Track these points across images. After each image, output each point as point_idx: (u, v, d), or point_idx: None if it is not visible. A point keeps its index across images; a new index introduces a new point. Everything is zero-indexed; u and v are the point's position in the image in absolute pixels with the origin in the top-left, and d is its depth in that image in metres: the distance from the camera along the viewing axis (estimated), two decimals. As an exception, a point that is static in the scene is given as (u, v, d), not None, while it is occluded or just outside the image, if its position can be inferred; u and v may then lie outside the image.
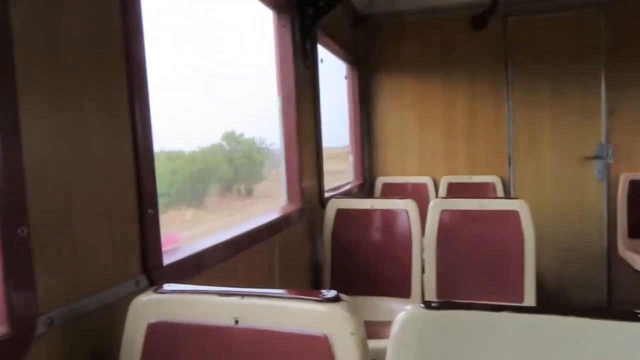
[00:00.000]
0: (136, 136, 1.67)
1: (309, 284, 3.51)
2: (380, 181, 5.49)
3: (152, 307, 1.38)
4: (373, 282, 3.41)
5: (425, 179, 5.37)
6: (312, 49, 3.53)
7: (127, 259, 1.65)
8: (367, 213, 3.49)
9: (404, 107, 5.45)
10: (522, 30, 5.05)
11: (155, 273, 1.73)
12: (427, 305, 1.21)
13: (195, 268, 2.01)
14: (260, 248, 2.70)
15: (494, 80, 5.14)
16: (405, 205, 3.40)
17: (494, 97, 5.17)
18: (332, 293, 1.27)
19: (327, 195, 3.91)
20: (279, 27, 3.18)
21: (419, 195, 5.11)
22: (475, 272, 3.30)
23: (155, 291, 1.40)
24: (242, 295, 1.32)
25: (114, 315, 1.54)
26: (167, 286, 1.42)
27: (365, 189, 5.37)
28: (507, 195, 5.09)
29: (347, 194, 4.56)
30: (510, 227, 3.15)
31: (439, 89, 5.32)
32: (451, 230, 3.32)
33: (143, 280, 1.69)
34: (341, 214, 3.52)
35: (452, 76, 5.27)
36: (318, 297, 1.26)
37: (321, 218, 3.57)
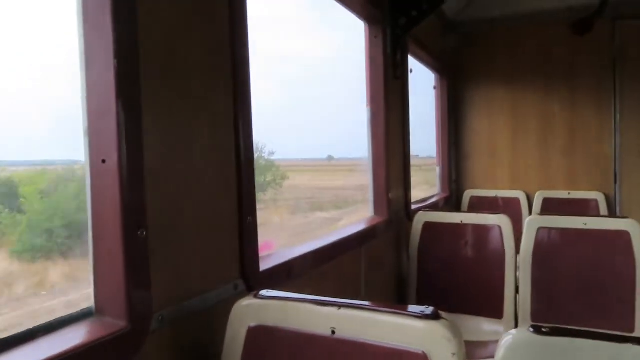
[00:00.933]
0: (239, 146, 1.74)
1: (393, 297, 3.45)
2: (468, 194, 5.29)
3: (252, 311, 1.42)
4: (462, 300, 3.27)
5: (518, 194, 5.09)
6: (402, 60, 3.49)
7: (228, 263, 1.72)
8: (457, 227, 3.37)
9: (495, 117, 5.22)
10: (633, 35, 4.66)
11: (252, 278, 1.79)
12: (537, 330, 1.13)
13: (287, 275, 2.05)
14: (348, 258, 2.70)
15: (598, 88, 4.78)
16: (498, 221, 3.24)
17: (597, 106, 4.80)
18: (430, 310, 1.23)
19: (413, 207, 3.83)
20: (371, 38, 3.19)
21: (510, 210, 4.85)
22: (576, 296, 3.06)
23: (255, 296, 1.44)
24: (339, 305, 1.32)
25: (215, 317, 1.60)
26: (266, 292, 1.45)
27: (451, 202, 5.20)
28: (612, 213, 4.69)
29: (434, 207, 4.44)
30: (619, 248, 2.89)
31: (534, 98, 5.04)
32: (550, 250, 3.11)
33: (241, 284, 1.75)
34: (429, 227, 3.43)
35: (549, 84, 4.97)
36: (417, 312, 1.23)
37: (407, 230, 3.50)
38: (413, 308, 1.25)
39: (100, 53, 1.30)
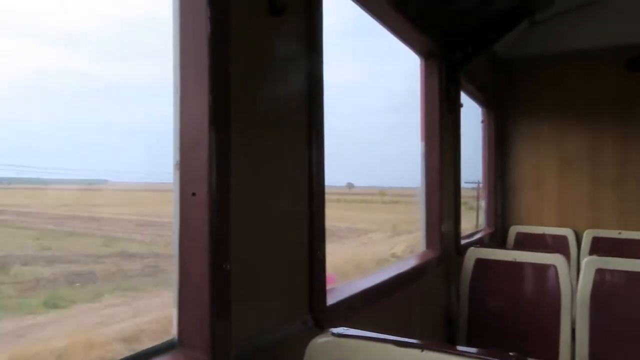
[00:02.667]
0: (311, 181, 1.76)
1: (442, 334, 3.37)
2: (513, 230, 5.17)
3: (329, 349, 1.40)
4: (515, 340, 3.16)
5: (566, 231, 4.94)
6: (455, 94, 3.49)
7: (298, 298, 1.72)
8: (510, 265, 3.28)
9: (541, 152, 5.13)
10: None
11: (320, 313, 1.77)
12: None
13: (350, 310, 2.03)
14: (402, 293, 2.66)
15: None
16: (554, 260, 3.15)
17: None
18: (518, 356, 1.20)
19: (462, 242, 3.77)
20: (427, 73, 3.21)
21: (558, 248, 4.71)
22: (637, 342, 2.92)
23: (332, 334, 1.42)
24: (422, 347, 1.29)
25: (286, 353, 1.59)
26: (343, 330, 1.43)
27: (497, 238, 5.09)
28: None
29: (479, 243, 4.36)
30: None
31: (583, 134, 4.94)
32: (609, 292, 2.99)
33: (309, 320, 1.74)
34: (480, 264, 3.35)
35: (599, 120, 4.87)
36: (505, 358, 1.19)
37: (457, 266, 3.43)
38: (500, 353, 1.22)
39: (196, 90, 1.34)
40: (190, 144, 1.35)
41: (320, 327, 1.74)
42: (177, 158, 1.37)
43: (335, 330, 1.44)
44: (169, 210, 1.41)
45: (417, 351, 1.28)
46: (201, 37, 1.33)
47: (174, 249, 1.37)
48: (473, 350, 1.25)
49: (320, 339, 1.43)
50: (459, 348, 1.27)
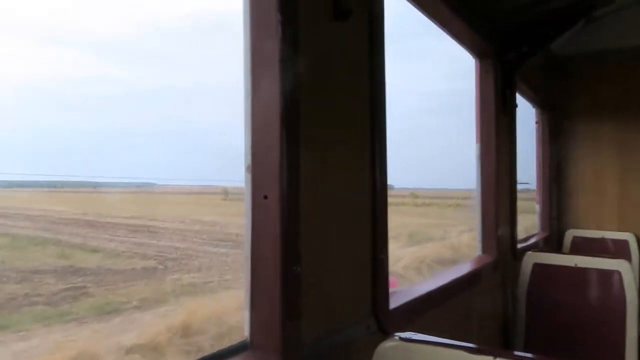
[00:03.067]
0: (375, 185, 1.75)
1: (498, 339, 3.28)
2: (570, 234, 4.98)
3: (397, 354, 1.39)
4: (577, 348, 3.05)
5: (626, 236, 4.72)
6: (511, 95, 3.41)
7: (362, 301, 1.71)
8: (571, 271, 3.16)
9: (600, 153, 4.93)
10: None
11: (382, 317, 1.76)
12: None
13: (411, 314, 2.01)
14: (459, 299, 2.61)
15: None
16: (617, 266, 3.01)
17: None
18: None
19: (518, 246, 3.66)
20: (482, 73, 3.15)
21: (618, 253, 4.51)
22: None
23: (400, 339, 1.41)
24: (495, 355, 1.26)
25: (351, 357, 1.59)
26: (410, 334, 1.42)
27: (552, 242, 4.92)
28: None
29: (535, 247, 4.22)
30: None
31: None
32: None
33: (373, 323, 1.74)
34: (539, 269, 3.25)
35: None
36: None
37: (513, 271, 3.34)
38: None
39: (267, 94, 1.37)
40: (262, 146, 1.38)
41: (383, 330, 1.73)
42: (249, 161, 1.39)
43: (402, 334, 1.42)
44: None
45: (489, 358, 1.26)
46: (272, 42, 1.35)
47: (245, 251, 1.40)
48: (547, 359, 1.22)
49: (388, 344, 1.42)
50: (534, 356, 1.24)
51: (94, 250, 11.72)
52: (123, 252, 11.80)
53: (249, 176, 1.39)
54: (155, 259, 11.21)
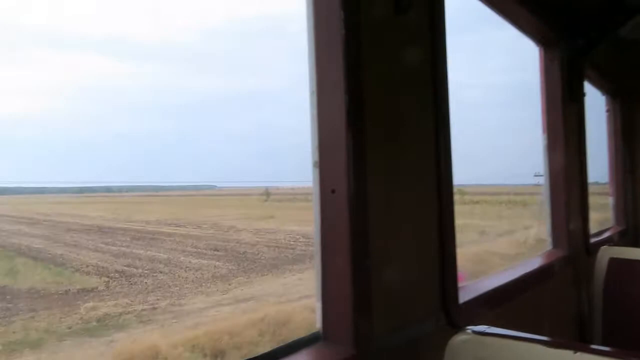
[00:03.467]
0: (440, 178, 1.74)
1: (573, 334, 3.14)
2: (647, 228, 4.68)
3: (471, 348, 1.38)
4: None
5: None
6: (578, 83, 3.26)
7: (431, 295, 1.70)
8: None
9: None
10: None
11: (452, 311, 1.74)
12: None
13: (480, 309, 1.97)
14: (530, 294, 2.53)
15: None
16: None
17: None
18: None
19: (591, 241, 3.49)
20: (547, 61, 3.03)
21: None
22: None
23: (473, 332, 1.39)
24: (575, 349, 1.22)
25: (422, 350, 1.59)
26: (484, 328, 1.40)
27: (628, 236, 4.64)
28: None
29: (610, 242, 4.00)
30: None
31: None
32: None
33: (442, 317, 1.72)
34: (615, 264, 3.07)
35: None
36: None
37: (586, 266, 3.18)
38: None
39: (332, 91, 1.40)
40: (329, 143, 1.41)
41: (453, 324, 1.71)
42: (316, 157, 1.42)
43: (476, 328, 1.41)
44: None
45: (569, 352, 1.22)
46: (336, 40, 1.38)
47: (315, 245, 1.43)
48: (633, 355, 1.16)
49: (461, 337, 1.40)
50: (615, 350, 1.19)
51: (52, 264, 11.25)
52: (81, 267, 11.22)
53: (317, 172, 1.42)
54: (108, 277, 10.50)
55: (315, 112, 1.43)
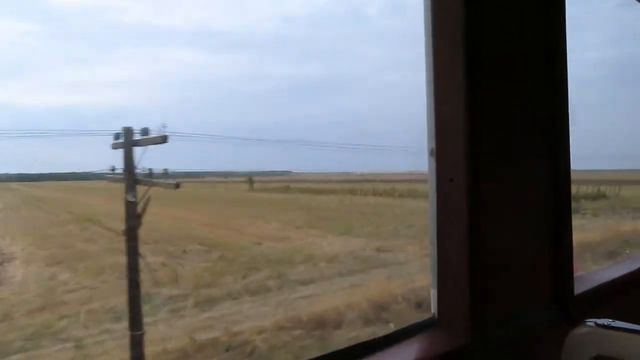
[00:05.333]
0: (557, 163, 1.65)
1: None
2: None
3: (593, 341, 1.32)
4: None
5: None
6: None
7: (544, 287, 1.64)
8: None
9: None
10: None
11: (567, 303, 1.68)
12: None
13: (597, 301, 1.88)
14: None
15: None
16: None
17: None
18: None
19: None
20: None
21: None
22: None
23: (596, 325, 1.34)
24: None
25: (537, 342, 1.55)
26: (607, 321, 1.34)
27: None
28: None
29: None
30: None
31: None
32: None
33: (557, 309, 1.66)
34: None
35: None
36: None
37: None
38: None
39: (451, 77, 1.37)
40: (446, 130, 1.39)
41: (568, 317, 1.65)
42: (432, 145, 1.41)
43: (599, 321, 1.35)
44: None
45: None
46: (455, 23, 1.35)
47: (430, 232, 1.44)
48: None
49: (581, 330, 1.35)
50: None
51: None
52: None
53: (433, 160, 1.42)
54: None
55: (431, 98, 1.41)
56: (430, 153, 1.42)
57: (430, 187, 1.43)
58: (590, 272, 2.04)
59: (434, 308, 1.43)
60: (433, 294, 1.43)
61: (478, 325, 1.36)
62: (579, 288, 1.82)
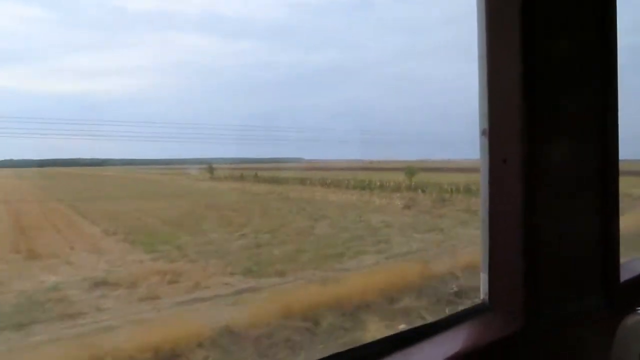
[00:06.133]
0: (606, 148, 1.61)
1: None
2: None
3: None
4: None
5: None
6: None
7: (592, 273, 1.60)
8: None
9: None
10: None
11: (612, 291, 1.64)
12: None
13: None
14: None
15: None
16: None
17: None
18: None
19: None
20: None
21: None
22: None
23: None
24: None
25: (585, 329, 1.51)
26: None
27: None
28: None
29: None
30: None
31: None
32: None
33: (604, 295, 1.62)
34: None
35: None
36: None
37: None
38: None
39: (506, 55, 1.32)
40: (500, 108, 1.34)
41: (614, 304, 1.61)
42: (485, 124, 1.37)
43: None
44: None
45: None
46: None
47: (482, 214, 1.39)
48: None
49: (635, 319, 1.32)
50: None
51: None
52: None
53: (486, 140, 1.37)
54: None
55: (485, 77, 1.37)
56: (482, 133, 1.38)
57: (481, 169, 1.39)
58: (634, 259, 1.99)
59: (483, 293, 1.40)
60: (483, 278, 1.40)
61: (531, 310, 1.32)
62: (624, 275, 1.78)
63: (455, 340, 1.29)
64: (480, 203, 1.40)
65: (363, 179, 19.73)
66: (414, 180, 18.08)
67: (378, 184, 18.60)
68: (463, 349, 1.26)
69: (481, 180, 1.39)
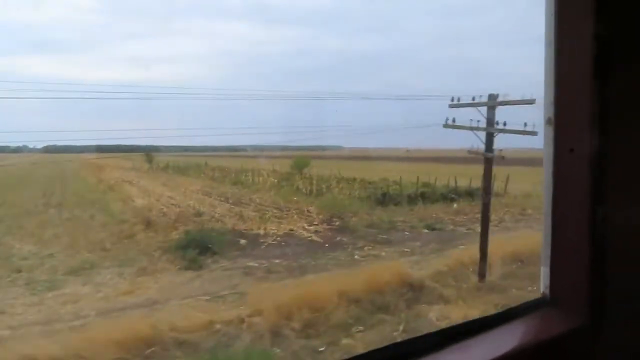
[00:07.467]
0: None
1: None
2: None
3: None
4: None
5: None
6: None
7: None
8: None
9: None
10: None
11: None
12: None
13: None
14: None
15: None
16: None
17: None
18: None
19: None
20: None
21: None
22: None
23: None
24: None
25: None
26: None
27: None
28: None
29: None
30: None
31: None
32: None
33: None
34: None
35: None
36: None
37: None
38: None
39: (577, 42, 1.27)
40: (568, 97, 1.29)
41: None
42: (551, 113, 1.32)
43: None
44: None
45: None
46: None
47: (545, 207, 1.35)
48: None
49: None
50: None
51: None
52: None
53: (551, 129, 1.32)
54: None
55: (551, 64, 1.31)
56: (548, 122, 1.33)
57: (545, 158, 1.34)
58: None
59: (544, 286, 1.35)
60: (544, 271, 1.35)
61: (597, 306, 1.27)
62: None
63: (515, 334, 1.26)
64: (544, 194, 1.35)
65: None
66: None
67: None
68: (523, 343, 1.23)
69: (545, 170, 1.34)
